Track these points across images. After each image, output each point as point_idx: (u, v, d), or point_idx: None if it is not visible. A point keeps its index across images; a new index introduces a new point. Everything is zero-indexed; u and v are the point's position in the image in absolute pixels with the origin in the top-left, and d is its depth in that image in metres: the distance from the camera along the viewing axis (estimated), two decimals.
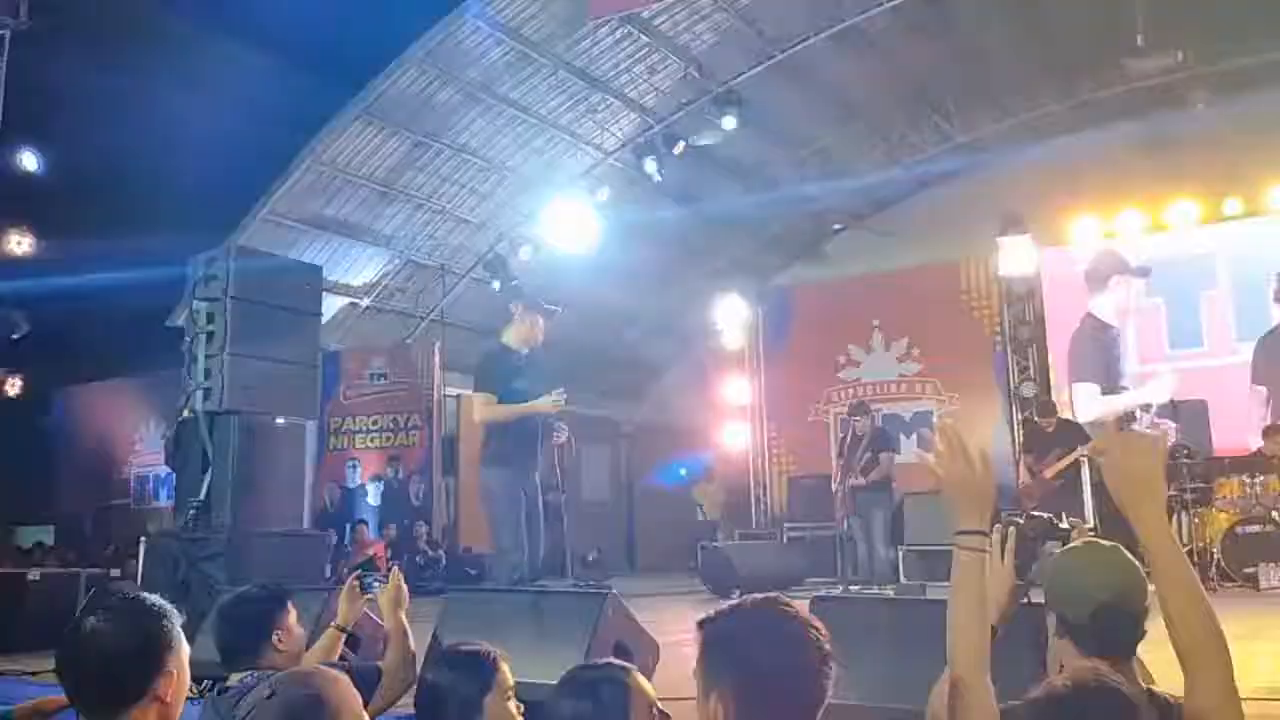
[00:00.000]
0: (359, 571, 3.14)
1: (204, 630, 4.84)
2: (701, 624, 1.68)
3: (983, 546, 2.02)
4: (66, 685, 1.85)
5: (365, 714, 1.77)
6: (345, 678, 1.87)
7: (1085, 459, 9.26)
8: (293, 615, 3.05)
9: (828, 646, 1.65)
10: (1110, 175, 12.75)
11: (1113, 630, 2.01)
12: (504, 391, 5.61)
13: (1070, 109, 14.15)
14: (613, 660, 2.13)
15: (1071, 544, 2.20)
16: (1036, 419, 9.71)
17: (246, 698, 2.75)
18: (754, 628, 1.65)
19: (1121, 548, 2.14)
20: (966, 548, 2.03)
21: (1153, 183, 11.96)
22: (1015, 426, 11.98)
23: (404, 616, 3.26)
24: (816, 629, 1.65)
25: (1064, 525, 2.24)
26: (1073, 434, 9.26)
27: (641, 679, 1.91)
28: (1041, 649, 2.24)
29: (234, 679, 2.89)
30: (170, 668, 1.83)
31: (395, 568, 3.32)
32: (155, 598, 1.94)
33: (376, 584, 3.23)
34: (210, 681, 3.04)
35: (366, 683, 2.71)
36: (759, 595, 1.74)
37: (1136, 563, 2.11)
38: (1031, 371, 12.18)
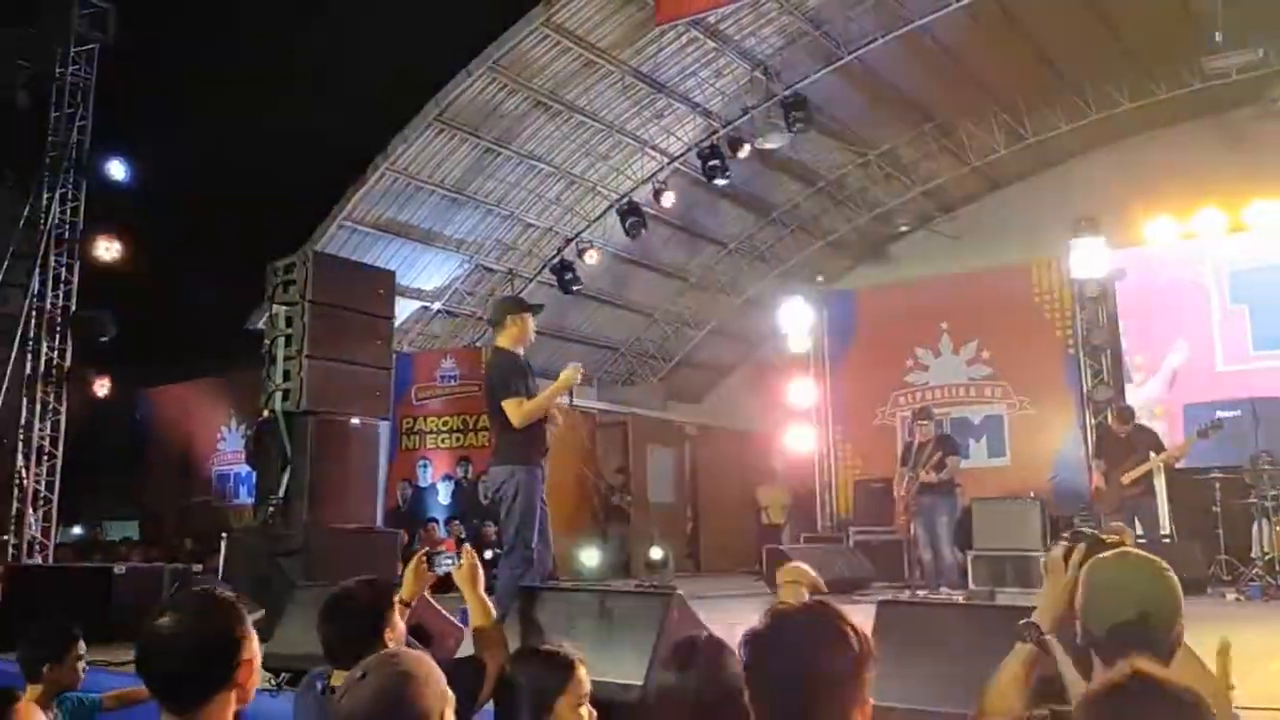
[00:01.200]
0: (427, 549, 3.14)
1: (283, 624, 5.02)
2: (746, 637, 1.73)
3: (1036, 647, 2.15)
4: (148, 680, 1.91)
5: (450, 691, 1.84)
6: (428, 655, 1.93)
7: (1161, 465, 9.12)
8: (396, 610, 3.04)
9: (867, 647, 1.67)
10: (1187, 175, 12.46)
11: (1135, 646, 1.96)
12: (526, 392, 5.70)
13: (1145, 108, 13.86)
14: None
15: (1102, 555, 2.15)
16: (1112, 424, 9.56)
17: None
18: (792, 630, 1.68)
19: (1154, 559, 2.09)
20: (1026, 639, 2.16)
21: (1231, 182, 11.65)
22: (1088, 430, 11.77)
23: (483, 592, 3.23)
24: (854, 630, 1.67)
25: (1109, 540, 2.21)
26: (1148, 440, 9.11)
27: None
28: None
29: (338, 678, 2.82)
30: (246, 656, 1.92)
31: (467, 545, 3.30)
32: (224, 591, 2.03)
33: (448, 561, 3.22)
34: (289, 675, 3.06)
35: (465, 677, 2.70)
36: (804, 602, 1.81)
37: (1168, 574, 2.06)
38: (1105, 375, 11.95)
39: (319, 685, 2.90)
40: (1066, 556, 2.21)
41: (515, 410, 5.58)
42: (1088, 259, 11.70)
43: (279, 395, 7.43)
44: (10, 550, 10.38)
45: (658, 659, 2.11)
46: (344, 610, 2.94)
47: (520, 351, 5.87)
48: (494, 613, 3.27)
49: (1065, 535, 2.32)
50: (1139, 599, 2.00)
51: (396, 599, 3.07)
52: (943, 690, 3.05)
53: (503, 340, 5.86)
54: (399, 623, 3.04)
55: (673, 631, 4.03)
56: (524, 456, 5.75)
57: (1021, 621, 2.21)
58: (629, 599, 4.34)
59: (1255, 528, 9.33)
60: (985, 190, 16.53)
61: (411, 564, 3.24)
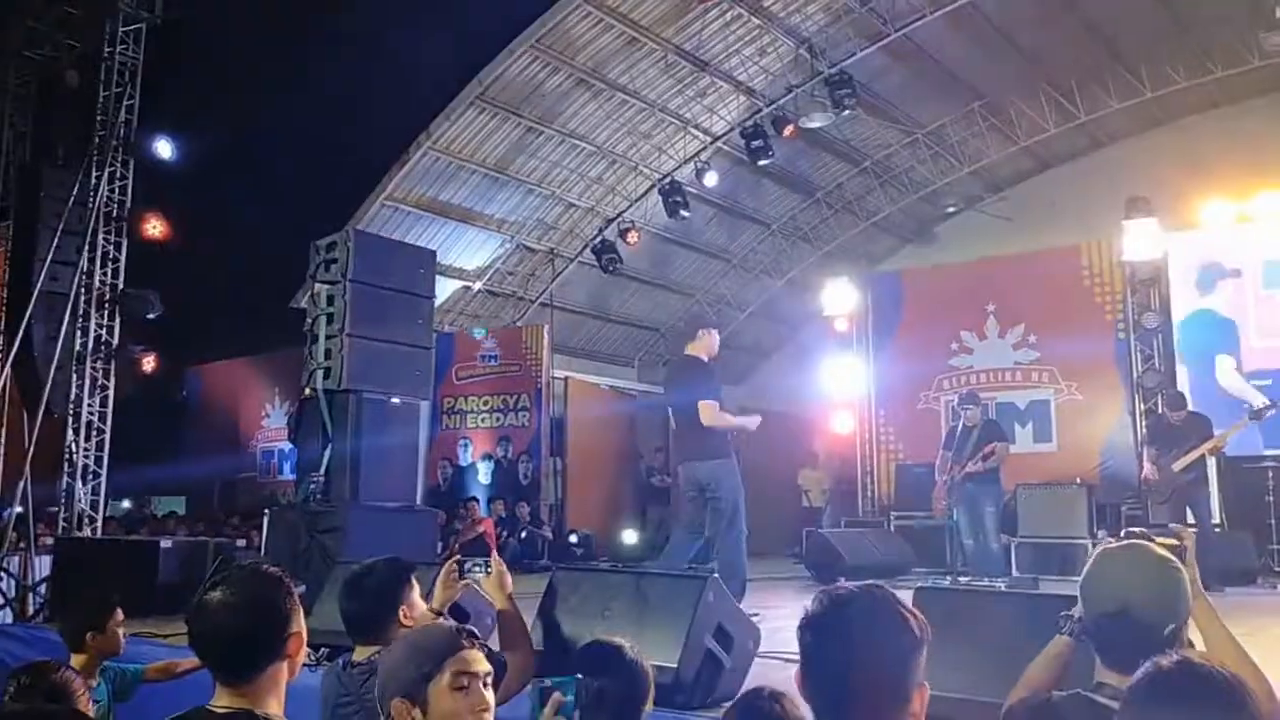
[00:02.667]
0: (458, 557, 3.16)
1: (322, 600, 5.05)
2: (804, 622, 1.71)
3: (1073, 639, 2.12)
4: (201, 651, 1.98)
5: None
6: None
7: (1211, 452, 8.89)
8: (416, 590, 3.09)
9: (920, 631, 1.65)
10: (1243, 156, 12.12)
11: (1118, 641, 1.93)
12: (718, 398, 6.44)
13: (1201, 87, 13.50)
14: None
15: (1110, 545, 2.12)
16: (1165, 411, 9.34)
17: (373, 678, 2.83)
18: (849, 610, 1.67)
19: (1162, 556, 2.03)
20: (1063, 631, 2.17)
21: None
22: (1138, 416, 11.53)
23: (513, 599, 3.27)
24: (911, 613, 1.66)
25: (1165, 541, 2.13)
26: (1201, 427, 8.87)
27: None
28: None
29: (360, 653, 2.93)
30: (295, 628, 1.99)
31: (495, 554, 3.33)
32: (271, 566, 2.09)
33: (476, 569, 3.23)
34: (328, 650, 3.11)
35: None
36: (860, 583, 1.76)
37: (1174, 573, 2.00)
38: (1156, 361, 11.68)
39: (340, 661, 2.95)
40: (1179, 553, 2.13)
41: (710, 412, 6.31)
42: (1140, 241, 11.42)
43: (320, 373, 7.47)
44: (61, 523, 10.58)
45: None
46: (363, 587, 3.02)
47: (707, 360, 6.60)
48: (520, 616, 3.28)
49: (1121, 533, 2.25)
50: (1124, 592, 1.96)
51: (414, 577, 3.11)
52: (981, 678, 2.98)
53: (694, 349, 6.61)
54: (418, 602, 3.08)
55: (709, 614, 3.99)
56: (726, 449, 6.53)
57: (1062, 613, 2.17)
58: (665, 581, 4.30)
59: None
60: (1035, 170, 16.21)
61: (441, 573, 3.25)
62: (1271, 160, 11.64)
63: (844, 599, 1.69)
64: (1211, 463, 9.09)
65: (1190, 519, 8.76)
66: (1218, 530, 9.23)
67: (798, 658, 1.69)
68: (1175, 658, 1.57)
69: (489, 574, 3.19)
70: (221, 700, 1.91)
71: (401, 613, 2.98)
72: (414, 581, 3.09)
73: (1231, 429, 8.83)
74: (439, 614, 3.12)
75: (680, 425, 6.60)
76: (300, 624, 2.00)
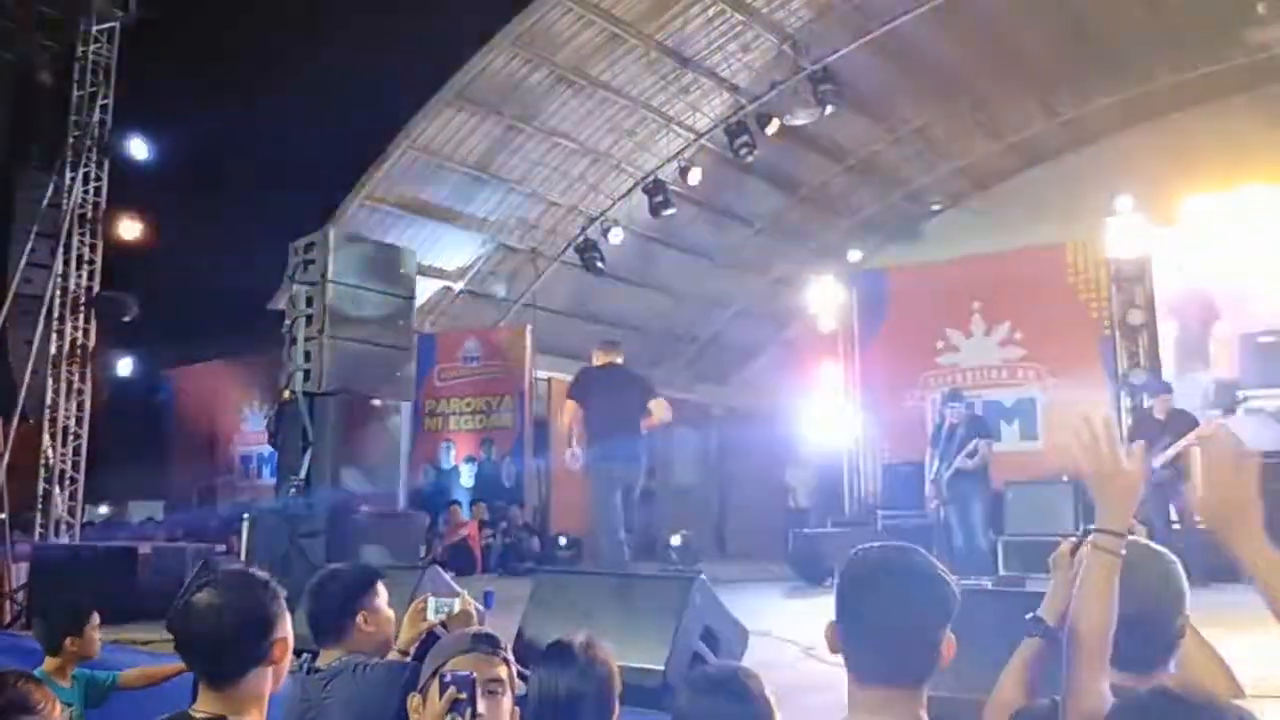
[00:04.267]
0: (425, 595, 3.09)
1: (302, 605, 4.96)
2: (848, 569, 1.77)
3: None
4: (188, 656, 1.97)
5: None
6: None
7: (1195, 448, 8.87)
8: (381, 597, 3.05)
9: (951, 601, 1.71)
10: (1228, 152, 12.12)
11: (1133, 642, 1.90)
12: None
13: (1184, 83, 13.52)
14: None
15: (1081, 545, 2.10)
16: (1150, 406, 9.33)
17: (334, 681, 2.77)
18: (873, 570, 1.72)
19: (1159, 555, 2.04)
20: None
21: (1274, 159, 11.33)
22: (1123, 413, 11.52)
23: None
24: (946, 575, 1.71)
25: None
26: (1184, 422, 8.86)
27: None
28: None
29: (324, 659, 2.92)
30: (281, 633, 1.98)
31: (465, 593, 3.23)
32: (257, 570, 2.09)
33: (444, 610, 3.15)
34: (309, 655, 3.07)
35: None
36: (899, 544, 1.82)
37: (1171, 572, 2.00)
38: (1141, 357, 11.68)
39: (303, 666, 2.90)
40: (1073, 551, 2.11)
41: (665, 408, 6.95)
42: (1125, 238, 11.43)
43: (300, 376, 7.38)
44: (37, 529, 10.42)
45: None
46: (325, 591, 3.02)
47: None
48: None
49: (1077, 532, 2.22)
50: (1136, 592, 1.94)
51: (379, 584, 3.09)
52: (966, 676, 2.92)
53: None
54: (382, 607, 3.04)
55: (695, 616, 3.92)
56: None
57: (1028, 615, 2.15)
58: (651, 583, 4.23)
59: None
60: (1020, 168, 16.22)
61: (409, 612, 3.15)
62: (1255, 156, 11.65)
63: (885, 554, 1.75)
64: (1196, 458, 9.06)
65: (1173, 515, 8.75)
66: (1201, 526, 9.19)
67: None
68: (1150, 686, 1.60)
69: (456, 613, 3.08)
70: (204, 705, 1.90)
71: (363, 618, 2.96)
72: (379, 588, 3.07)
73: (1207, 425, 8.79)
74: (404, 654, 3.05)
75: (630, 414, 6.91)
76: (286, 629, 2.00)
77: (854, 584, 1.72)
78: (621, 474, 6.93)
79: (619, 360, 7.24)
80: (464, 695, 1.72)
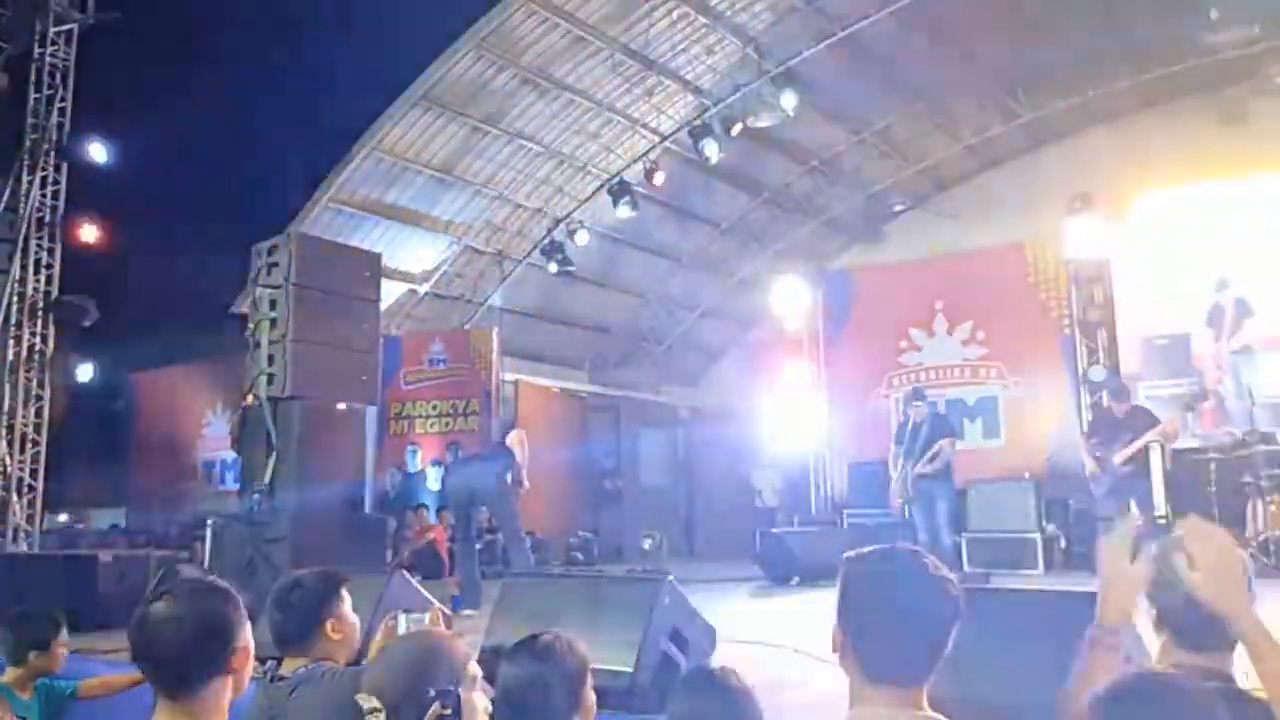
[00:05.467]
0: (397, 613, 3.06)
1: (265, 612, 4.93)
2: (845, 559, 1.81)
3: (1117, 647, 1.99)
4: (145, 667, 1.92)
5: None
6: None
7: (1156, 444, 9.03)
8: (347, 603, 3.01)
9: (957, 604, 1.74)
10: (1182, 152, 12.36)
11: (1194, 623, 1.98)
12: None
13: (1140, 85, 13.74)
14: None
15: (1175, 534, 2.12)
16: (1110, 404, 9.46)
17: (300, 689, 2.75)
18: (885, 571, 1.76)
19: (1228, 542, 2.03)
20: (1105, 646, 1.98)
21: (1227, 159, 11.56)
22: (1083, 411, 11.69)
23: None
24: (945, 582, 1.74)
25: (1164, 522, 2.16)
26: (1144, 419, 9.00)
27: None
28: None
29: (288, 667, 2.88)
30: (242, 642, 1.94)
31: (436, 609, 3.21)
32: (215, 579, 2.05)
33: (416, 625, 3.13)
34: (274, 662, 3.05)
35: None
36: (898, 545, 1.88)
37: (1240, 557, 2.02)
38: (1100, 355, 11.86)
39: (266, 673, 2.87)
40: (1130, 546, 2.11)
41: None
42: (1084, 238, 11.60)
43: (263, 380, 7.32)
44: None
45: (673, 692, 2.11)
46: (290, 599, 2.95)
47: None
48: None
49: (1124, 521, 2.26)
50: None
51: (344, 590, 3.04)
52: (960, 676, 2.96)
53: None
54: (348, 614, 3.00)
55: (664, 617, 3.94)
56: None
57: (1089, 628, 2.08)
58: (620, 585, 4.25)
59: (1249, 508, 9.28)
60: (980, 169, 16.39)
61: (381, 629, 3.13)
62: (1208, 156, 11.88)
63: (892, 557, 1.80)
64: (1155, 454, 9.22)
65: (1135, 511, 8.88)
66: (1161, 522, 9.36)
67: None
68: (1135, 670, 1.68)
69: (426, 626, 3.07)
70: (162, 716, 1.87)
71: (330, 626, 2.91)
72: (344, 594, 3.02)
73: (1169, 422, 8.95)
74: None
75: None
76: (247, 638, 1.96)
77: (863, 587, 1.76)
78: None
79: None
80: (449, 711, 1.69)
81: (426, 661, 1.81)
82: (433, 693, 1.71)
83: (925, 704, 1.72)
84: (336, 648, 2.93)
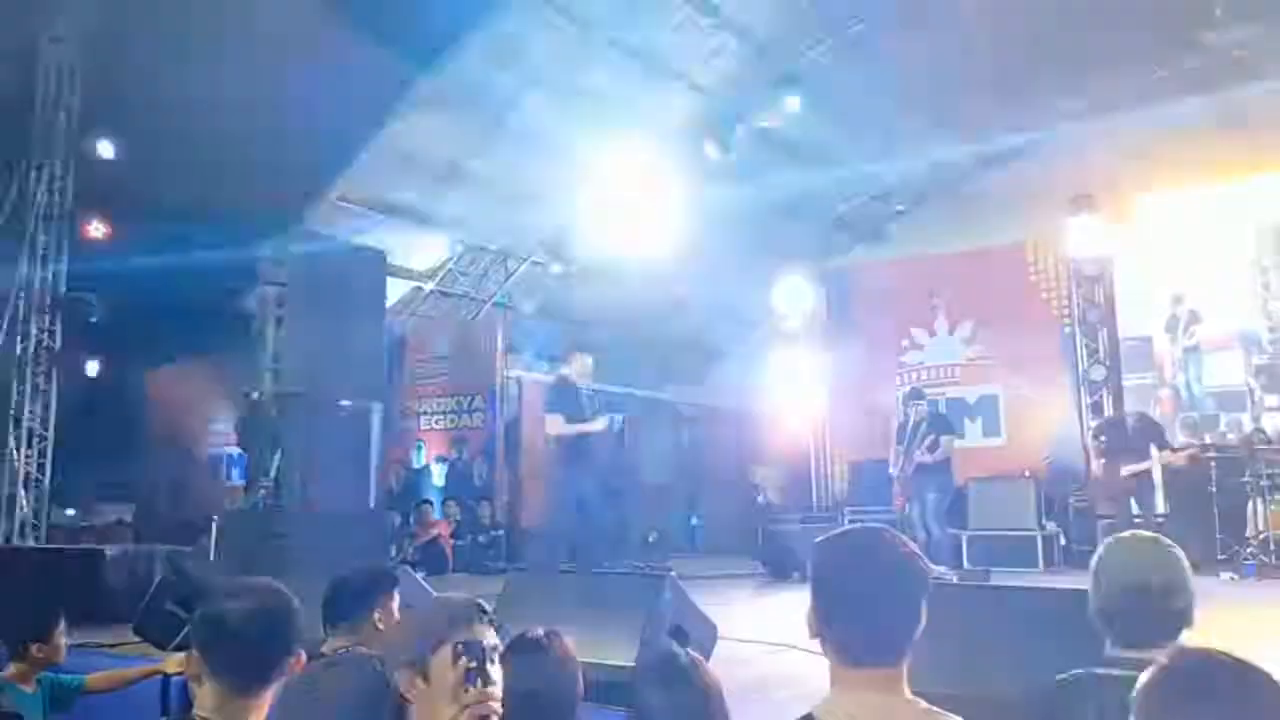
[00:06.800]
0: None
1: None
2: (815, 544, 1.82)
3: None
4: (218, 663, 1.99)
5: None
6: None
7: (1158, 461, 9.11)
8: (396, 600, 3.19)
9: (925, 579, 1.77)
10: (1185, 152, 12.38)
11: (1136, 619, 2.02)
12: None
13: (1142, 84, 13.74)
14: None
15: (1117, 535, 2.20)
16: (1123, 415, 9.56)
17: (338, 667, 2.86)
18: (849, 551, 1.77)
19: (1162, 540, 2.14)
20: None
21: (1230, 160, 11.58)
22: (1084, 410, 11.73)
23: None
24: (913, 557, 1.76)
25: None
26: (1152, 433, 9.08)
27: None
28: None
29: (328, 645, 3.06)
30: (299, 648, 2.08)
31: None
32: (281, 585, 2.16)
33: None
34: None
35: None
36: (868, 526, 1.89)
37: (1177, 557, 2.10)
38: (1101, 355, 11.91)
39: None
40: None
41: (547, 425, 7.60)
42: (1085, 238, 11.65)
43: (269, 376, 7.41)
44: (2, 533, 10.33)
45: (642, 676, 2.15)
46: (349, 580, 3.20)
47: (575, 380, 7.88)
48: None
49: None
50: (1138, 572, 2.07)
51: (397, 591, 3.25)
52: (934, 670, 3.02)
53: (564, 370, 7.98)
54: (395, 611, 3.18)
55: (665, 613, 3.99)
56: (564, 459, 7.57)
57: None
58: (621, 581, 4.30)
59: (1250, 507, 9.34)
60: (982, 168, 16.40)
61: None
62: (1211, 156, 11.91)
63: (859, 534, 1.82)
64: (1157, 465, 9.26)
65: (1135, 510, 8.95)
66: (1162, 521, 9.41)
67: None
68: (1200, 647, 1.61)
69: None
70: (217, 713, 1.94)
71: (377, 615, 3.10)
72: (396, 593, 3.22)
73: (1177, 455, 9.06)
74: None
75: None
76: (300, 643, 2.09)
77: (833, 565, 1.76)
78: None
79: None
80: (475, 664, 1.68)
81: (450, 617, 1.86)
82: (461, 647, 1.70)
83: (905, 688, 1.71)
84: (378, 638, 3.06)
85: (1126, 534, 2.22)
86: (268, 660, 2.00)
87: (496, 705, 1.64)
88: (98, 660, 5.15)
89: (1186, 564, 2.12)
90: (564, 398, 7.72)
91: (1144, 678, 1.55)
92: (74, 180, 11.21)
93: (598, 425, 7.63)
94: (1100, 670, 1.98)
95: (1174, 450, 9.15)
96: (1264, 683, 1.47)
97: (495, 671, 1.85)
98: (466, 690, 1.62)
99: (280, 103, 13.42)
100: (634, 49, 12.98)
